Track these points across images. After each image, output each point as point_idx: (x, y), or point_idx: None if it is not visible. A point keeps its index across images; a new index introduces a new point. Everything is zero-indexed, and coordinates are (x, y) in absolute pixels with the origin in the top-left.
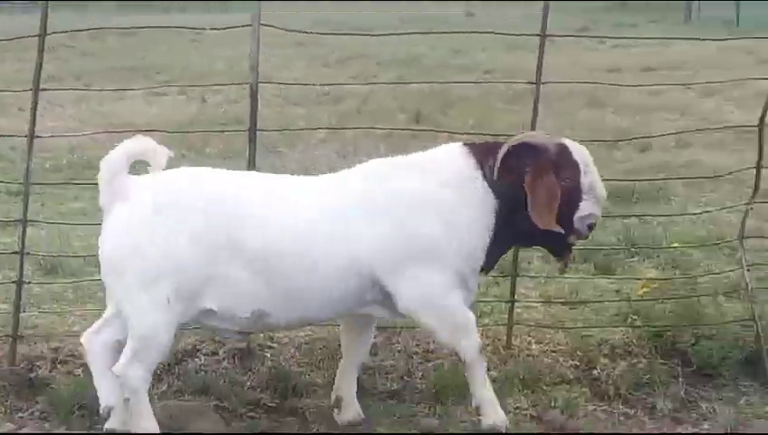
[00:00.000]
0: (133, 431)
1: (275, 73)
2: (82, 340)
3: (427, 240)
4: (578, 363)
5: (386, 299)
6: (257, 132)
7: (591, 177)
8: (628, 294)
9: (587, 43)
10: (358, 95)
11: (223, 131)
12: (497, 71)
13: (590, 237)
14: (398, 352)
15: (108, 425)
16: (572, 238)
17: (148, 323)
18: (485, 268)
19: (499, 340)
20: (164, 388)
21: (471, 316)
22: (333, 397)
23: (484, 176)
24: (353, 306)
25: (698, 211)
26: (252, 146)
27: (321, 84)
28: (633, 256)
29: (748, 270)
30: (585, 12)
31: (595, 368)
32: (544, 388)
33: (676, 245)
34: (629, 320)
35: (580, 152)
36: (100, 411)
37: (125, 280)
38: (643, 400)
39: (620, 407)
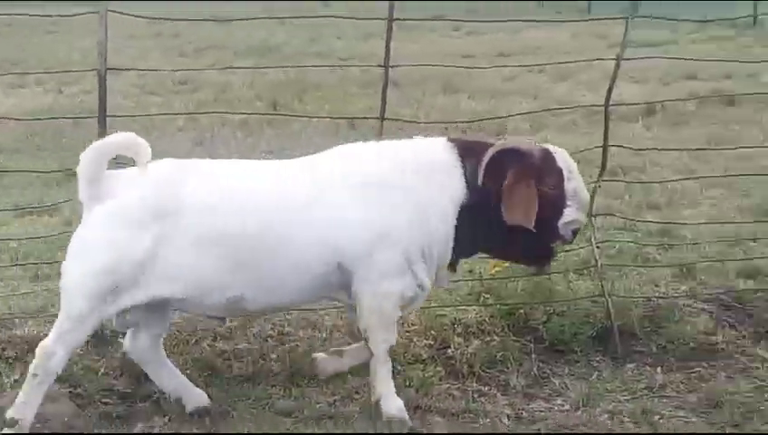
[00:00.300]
0: (9, 416)
1: (132, 63)
2: (126, 348)
3: (396, 230)
4: (432, 343)
5: (344, 284)
6: (107, 119)
7: (575, 183)
8: (481, 273)
9: (442, 30)
10: (215, 84)
11: (71, 117)
12: (353, 58)
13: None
14: (254, 335)
15: None
16: (557, 244)
17: (83, 308)
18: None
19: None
20: (17, 376)
21: (398, 314)
22: (335, 349)
23: (464, 169)
24: (324, 292)
25: None
26: (102, 133)
27: (171, 69)
28: None
29: (598, 247)
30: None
31: (449, 347)
32: (399, 368)
33: None
34: (482, 299)
35: (563, 158)
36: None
37: (88, 269)
38: (497, 377)
39: (474, 385)
